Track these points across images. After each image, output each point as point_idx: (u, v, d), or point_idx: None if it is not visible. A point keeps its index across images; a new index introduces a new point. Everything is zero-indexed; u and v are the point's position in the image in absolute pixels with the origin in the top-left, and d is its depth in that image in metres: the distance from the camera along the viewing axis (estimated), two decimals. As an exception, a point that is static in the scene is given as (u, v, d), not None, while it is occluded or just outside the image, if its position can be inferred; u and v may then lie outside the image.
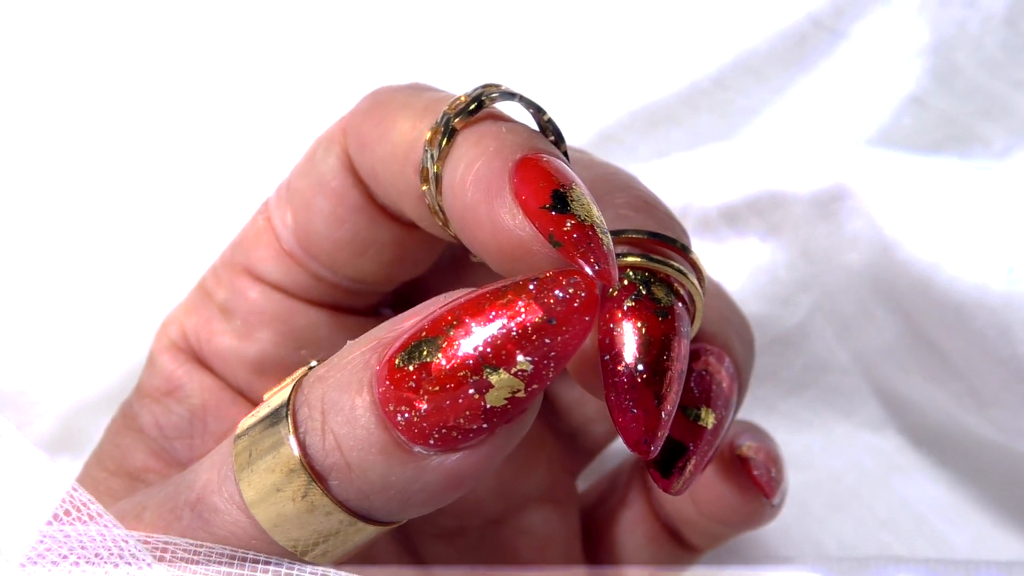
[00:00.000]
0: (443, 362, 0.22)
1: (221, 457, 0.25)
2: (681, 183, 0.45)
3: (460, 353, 0.22)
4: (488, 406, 0.22)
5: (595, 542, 0.35)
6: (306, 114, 0.43)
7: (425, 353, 0.22)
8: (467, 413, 0.22)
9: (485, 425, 0.22)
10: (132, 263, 0.45)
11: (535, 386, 0.22)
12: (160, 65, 0.47)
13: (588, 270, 0.22)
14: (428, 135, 0.25)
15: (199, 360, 0.32)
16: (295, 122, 0.44)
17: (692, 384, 0.28)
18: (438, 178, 0.25)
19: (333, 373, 0.23)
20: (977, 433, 0.43)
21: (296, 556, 0.24)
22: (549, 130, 0.26)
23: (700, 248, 0.45)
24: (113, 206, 0.46)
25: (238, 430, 0.24)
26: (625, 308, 0.25)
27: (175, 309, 0.33)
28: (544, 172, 0.24)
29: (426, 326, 0.22)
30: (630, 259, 0.25)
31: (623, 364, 0.24)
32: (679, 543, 0.34)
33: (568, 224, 0.23)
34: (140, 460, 0.31)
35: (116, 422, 0.32)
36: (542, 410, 0.33)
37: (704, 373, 0.28)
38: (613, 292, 0.25)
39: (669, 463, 0.27)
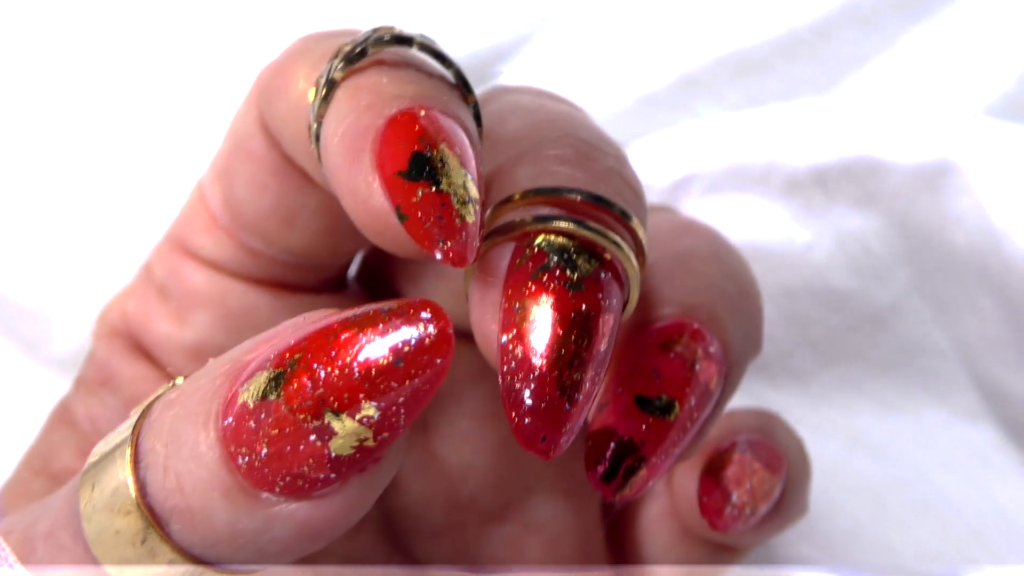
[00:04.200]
0: (282, 403, 0.19)
1: (74, 486, 0.22)
2: (770, 137, 0.41)
3: (299, 394, 0.19)
4: (333, 455, 0.19)
5: (620, 539, 0.31)
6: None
7: (266, 388, 0.19)
8: (310, 461, 0.19)
9: (333, 475, 0.19)
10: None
11: (385, 435, 0.19)
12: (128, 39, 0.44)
13: (437, 254, 0.20)
14: (313, 88, 0.23)
15: (138, 347, 0.29)
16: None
17: (656, 367, 0.24)
18: (319, 138, 0.22)
19: (182, 399, 0.20)
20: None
21: None
22: (453, 78, 0.23)
23: (786, 211, 0.41)
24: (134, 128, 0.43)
25: (91, 456, 0.22)
26: (530, 280, 0.21)
27: (120, 291, 0.30)
28: (411, 130, 0.21)
29: (271, 356, 0.20)
30: (559, 224, 0.22)
31: (519, 347, 0.21)
32: (713, 542, 0.29)
33: (418, 194, 0.20)
34: (66, 460, 0.28)
35: (52, 415, 0.30)
36: None
37: (673, 355, 0.24)
38: (519, 262, 0.21)
39: (615, 464, 0.23)
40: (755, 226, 0.41)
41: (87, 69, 0.43)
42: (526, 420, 0.21)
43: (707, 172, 0.41)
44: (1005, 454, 0.41)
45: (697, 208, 0.41)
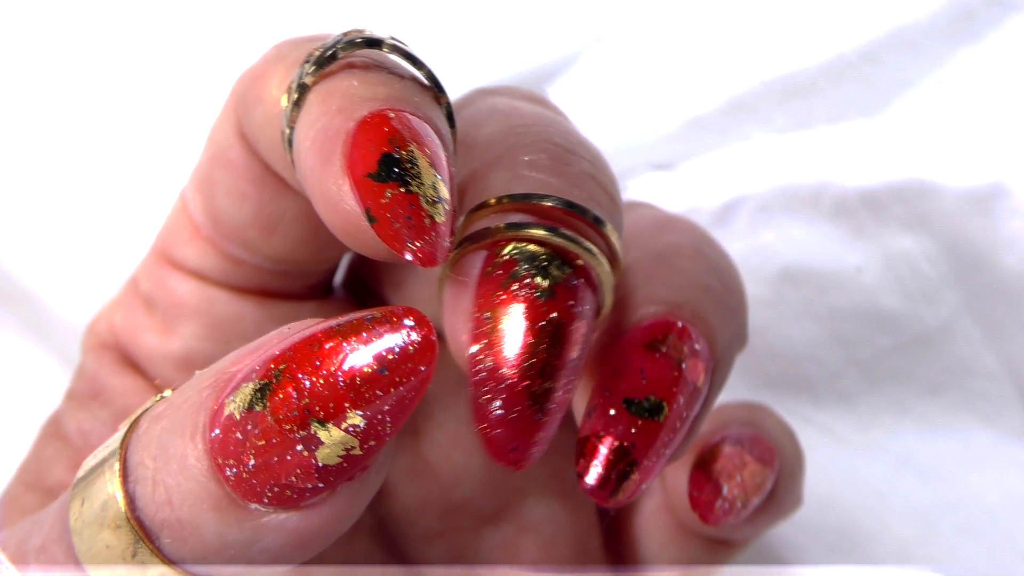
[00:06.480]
0: (268, 414, 0.19)
1: (65, 501, 0.22)
2: (819, 159, 0.41)
3: (285, 404, 0.19)
4: (320, 464, 0.19)
5: (616, 536, 0.30)
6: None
7: (252, 400, 0.19)
8: (298, 471, 0.19)
9: (321, 484, 0.19)
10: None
11: (372, 443, 0.19)
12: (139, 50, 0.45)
13: (406, 255, 0.19)
14: (285, 94, 0.22)
15: (126, 359, 0.29)
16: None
17: (642, 368, 0.23)
18: (291, 143, 0.22)
19: (169, 412, 0.20)
20: None
21: None
22: (426, 80, 0.23)
23: (835, 233, 0.42)
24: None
25: (80, 471, 0.21)
26: (500, 289, 0.21)
27: (107, 304, 0.30)
28: (381, 132, 0.20)
29: (256, 367, 0.20)
30: (530, 231, 0.21)
31: (489, 358, 0.21)
32: (709, 537, 0.29)
33: (387, 195, 0.20)
34: (58, 474, 0.28)
35: (43, 429, 0.30)
36: None
37: (659, 354, 0.23)
38: (490, 270, 0.21)
39: (607, 470, 0.23)
40: (805, 248, 0.41)
41: (75, 81, 0.44)
42: (496, 431, 0.21)
43: (757, 194, 0.41)
44: (1056, 477, 0.41)
45: (747, 229, 0.41)
